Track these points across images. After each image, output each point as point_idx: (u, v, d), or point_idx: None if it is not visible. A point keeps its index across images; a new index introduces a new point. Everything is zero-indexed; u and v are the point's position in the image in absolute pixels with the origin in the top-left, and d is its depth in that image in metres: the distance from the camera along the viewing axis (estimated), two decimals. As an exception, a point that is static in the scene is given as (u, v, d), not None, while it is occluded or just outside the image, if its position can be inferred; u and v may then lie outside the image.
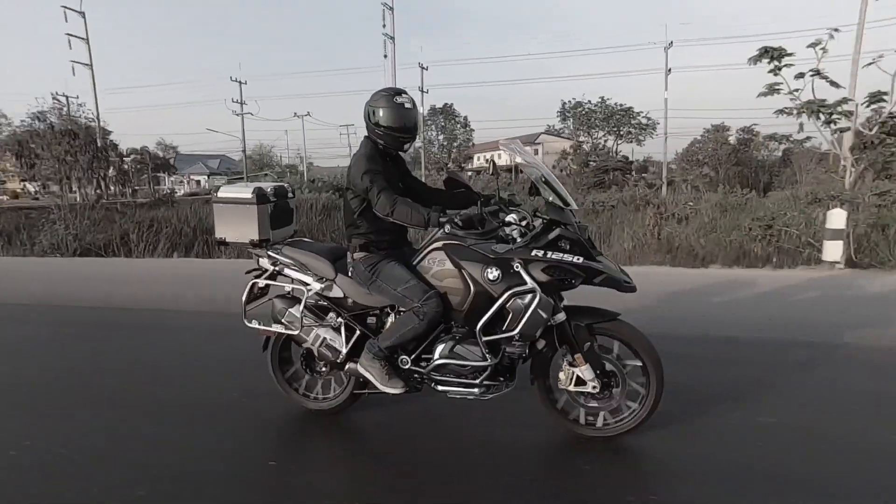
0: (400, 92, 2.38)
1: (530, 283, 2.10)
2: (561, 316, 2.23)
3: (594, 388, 2.24)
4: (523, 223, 2.25)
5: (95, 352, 3.82)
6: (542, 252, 2.14)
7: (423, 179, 2.67)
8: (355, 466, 2.29)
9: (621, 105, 33.36)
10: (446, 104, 39.71)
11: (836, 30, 5.84)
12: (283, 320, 2.45)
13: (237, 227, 2.51)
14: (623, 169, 28.54)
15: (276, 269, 2.53)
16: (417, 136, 2.47)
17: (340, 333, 2.41)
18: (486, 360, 2.16)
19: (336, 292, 2.42)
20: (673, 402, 2.41)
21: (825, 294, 4.90)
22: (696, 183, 21.63)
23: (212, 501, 1.96)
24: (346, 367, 2.42)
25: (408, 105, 2.33)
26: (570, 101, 34.66)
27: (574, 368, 2.25)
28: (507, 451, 2.29)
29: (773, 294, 4.93)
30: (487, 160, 2.78)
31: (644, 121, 31.17)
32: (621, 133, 34.06)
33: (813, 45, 5.89)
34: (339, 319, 2.42)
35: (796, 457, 2.18)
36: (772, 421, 2.47)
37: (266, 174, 33.47)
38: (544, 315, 2.13)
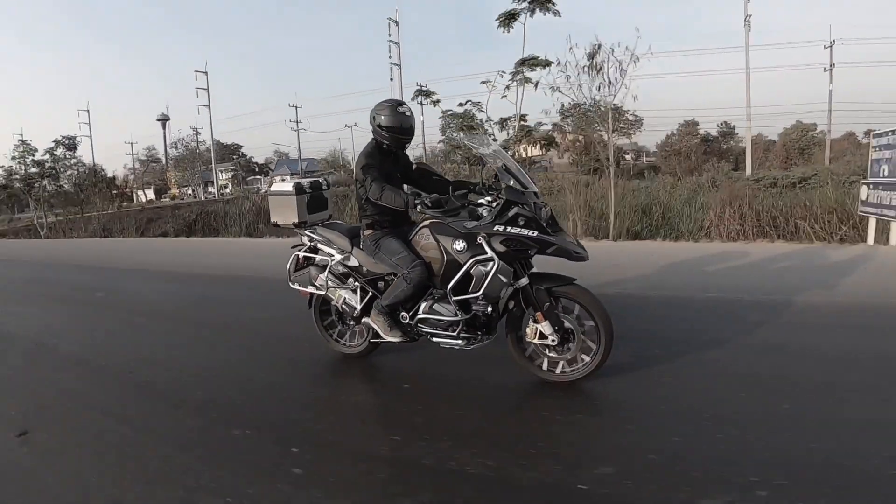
0: (401, 102, 2.97)
1: (490, 253, 2.59)
2: (524, 280, 2.69)
3: (553, 340, 2.67)
4: (494, 204, 2.72)
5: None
6: (503, 227, 2.60)
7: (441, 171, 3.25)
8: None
9: (613, 105, 41.50)
10: (467, 105, 48.56)
11: (503, 71, 9.81)
12: (315, 283, 3.20)
13: (283, 213, 3.29)
14: (616, 158, 36.80)
15: (313, 244, 3.27)
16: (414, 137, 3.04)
17: (357, 294, 3.09)
18: (457, 316, 2.70)
19: (353, 262, 3.10)
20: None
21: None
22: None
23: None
24: (362, 320, 3.10)
25: (407, 113, 2.91)
26: (567, 104, 43.15)
27: (537, 325, 2.70)
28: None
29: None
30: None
31: (631, 118, 35.98)
32: (613, 128, 43.32)
33: (484, 83, 10.15)
34: (356, 283, 3.10)
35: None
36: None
37: (331, 172, 41.88)
38: (504, 279, 2.60)
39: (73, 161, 21.03)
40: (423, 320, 2.81)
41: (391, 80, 27.60)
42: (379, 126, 2.90)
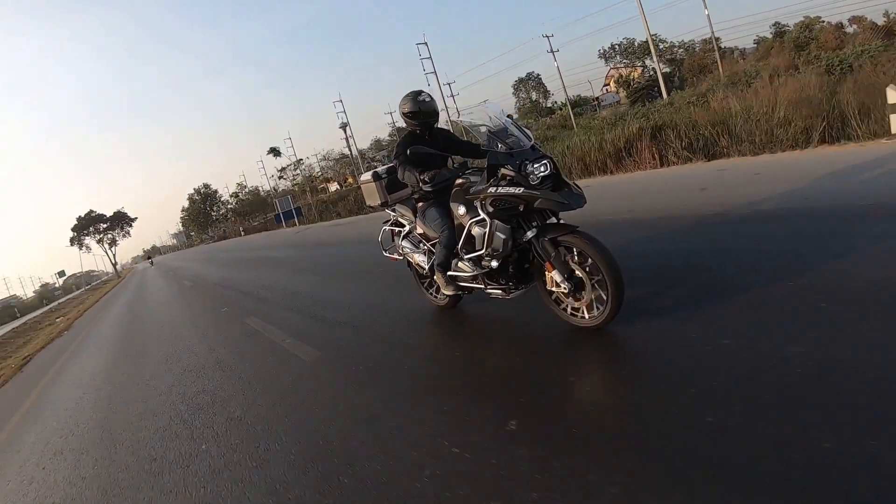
0: (421, 92, 3.33)
1: (482, 214, 2.81)
2: (530, 233, 2.80)
3: (566, 288, 2.74)
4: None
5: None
6: (494, 189, 2.77)
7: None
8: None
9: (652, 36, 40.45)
10: (529, 73, 56.53)
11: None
12: (399, 250, 3.93)
13: (371, 196, 4.08)
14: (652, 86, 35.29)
15: (394, 218, 3.99)
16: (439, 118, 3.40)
17: (426, 256, 3.69)
18: (474, 271, 3.02)
19: (419, 230, 3.68)
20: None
21: None
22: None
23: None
24: (433, 278, 3.69)
25: (426, 99, 3.30)
26: (602, 48, 46.39)
27: (549, 274, 2.80)
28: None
29: None
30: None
31: (662, 46, 38.36)
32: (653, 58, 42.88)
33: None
34: (424, 247, 3.69)
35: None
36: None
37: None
38: (502, 236, 2.80)
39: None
40: (453, 276, 3.24)
41: (428, 85, 35.97)
42: (405, 115, 3.33)
